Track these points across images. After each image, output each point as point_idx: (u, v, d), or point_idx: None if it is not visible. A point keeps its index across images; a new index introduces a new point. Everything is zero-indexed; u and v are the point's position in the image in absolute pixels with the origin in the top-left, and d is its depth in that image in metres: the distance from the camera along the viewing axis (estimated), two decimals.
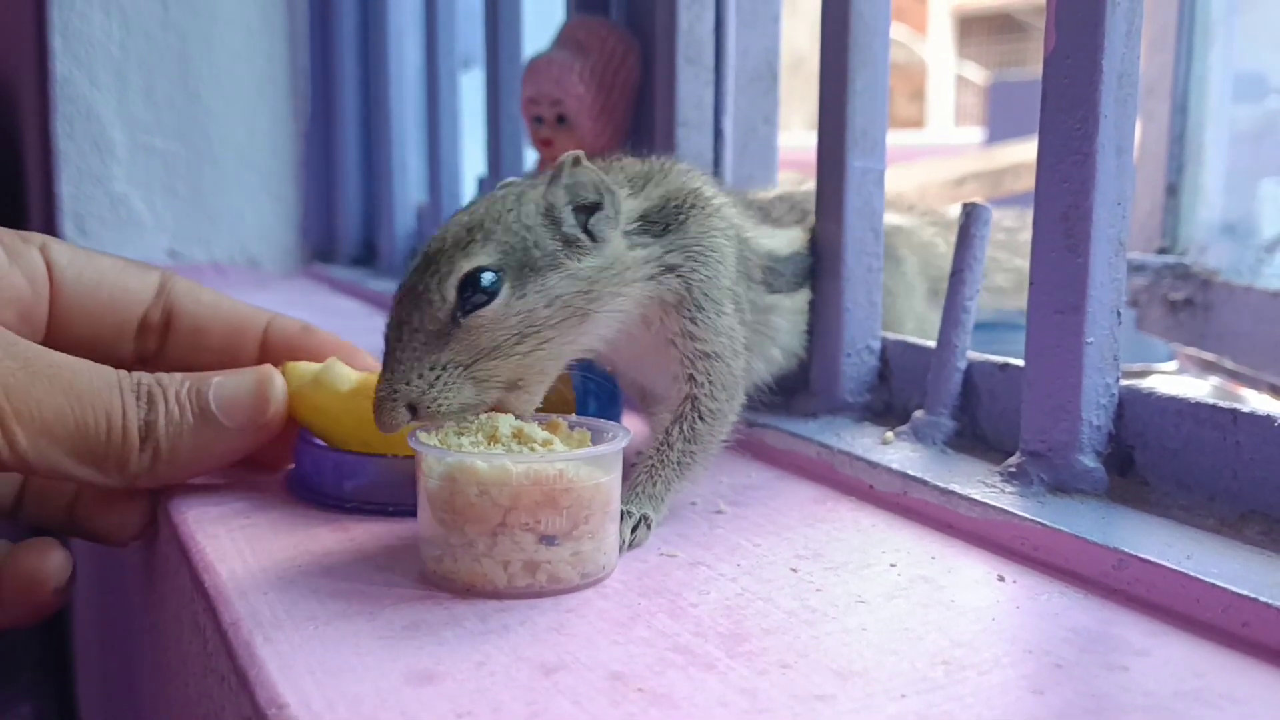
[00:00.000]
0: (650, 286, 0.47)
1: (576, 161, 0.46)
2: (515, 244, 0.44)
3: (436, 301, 0.43)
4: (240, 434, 0.46)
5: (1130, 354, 0.89)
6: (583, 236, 0.45)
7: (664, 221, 0.49)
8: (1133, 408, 0.45)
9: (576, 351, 0.46)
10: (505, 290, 0.43)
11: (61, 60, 1.23)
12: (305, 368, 0.48)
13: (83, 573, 1.00)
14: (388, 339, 0.44)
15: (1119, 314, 0.45)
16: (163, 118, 1.29)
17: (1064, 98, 0.44)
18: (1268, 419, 0.40)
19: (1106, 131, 0.43)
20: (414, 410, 0.42)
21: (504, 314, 0.43)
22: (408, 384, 0.42)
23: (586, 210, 0.46)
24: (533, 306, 0.44)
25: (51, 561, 0.44)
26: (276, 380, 0.46)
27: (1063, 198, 0.44)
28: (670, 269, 0.48)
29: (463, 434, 0.41)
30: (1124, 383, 0.46)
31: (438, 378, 0.42)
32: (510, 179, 0.52)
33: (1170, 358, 0.89)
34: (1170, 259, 0.82)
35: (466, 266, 0.43)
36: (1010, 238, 0.74)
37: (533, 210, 0.46)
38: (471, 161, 1.13)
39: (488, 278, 0.43)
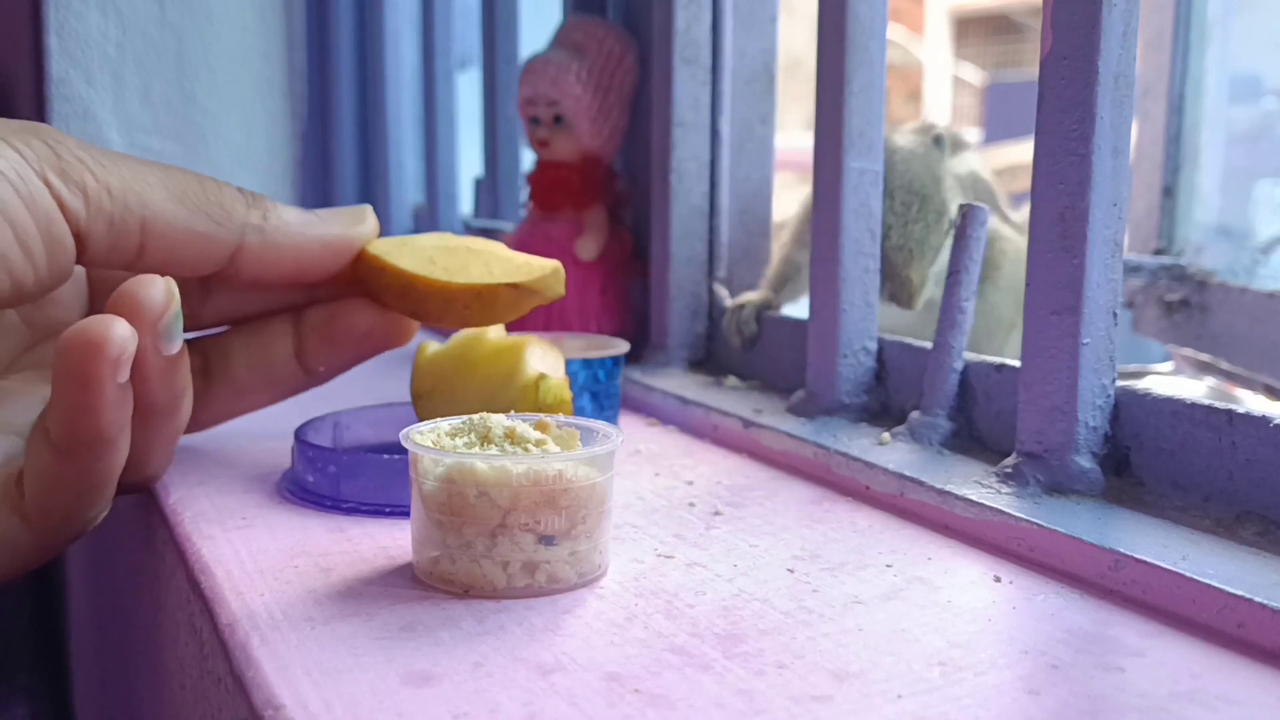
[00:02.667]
0: None
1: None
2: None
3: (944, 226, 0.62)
4: (340, 227, 0.49)
5: (1126, 355, 0.90)
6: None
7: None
8: (1129, 409, 0.45)
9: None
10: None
11: (57, 60, 1.23)
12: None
13: (78, 575, 1.00)
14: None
15: (1115, 315, 0.45)
16: (159, 118, 1.29)
17: (1060, 99, 0.44)
18: (1264, 420, 0.40)
19: (1103, 133, 0.43)
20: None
21: None
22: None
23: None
24: None
25: (153, 291, 0.40)
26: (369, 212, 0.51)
27: (1059, 199, 0.44)
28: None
29: (456, 435, 0.41)
30: (1120, 384, 0.46)
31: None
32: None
33: (1166, 359, 0.89)
34: (1166, 260, 0.82)
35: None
36: None
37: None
38: (468, 162, 1.13)
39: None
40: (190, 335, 0.51)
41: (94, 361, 0.38)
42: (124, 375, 0.39)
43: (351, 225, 0.49)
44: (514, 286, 0.49)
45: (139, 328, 0.40)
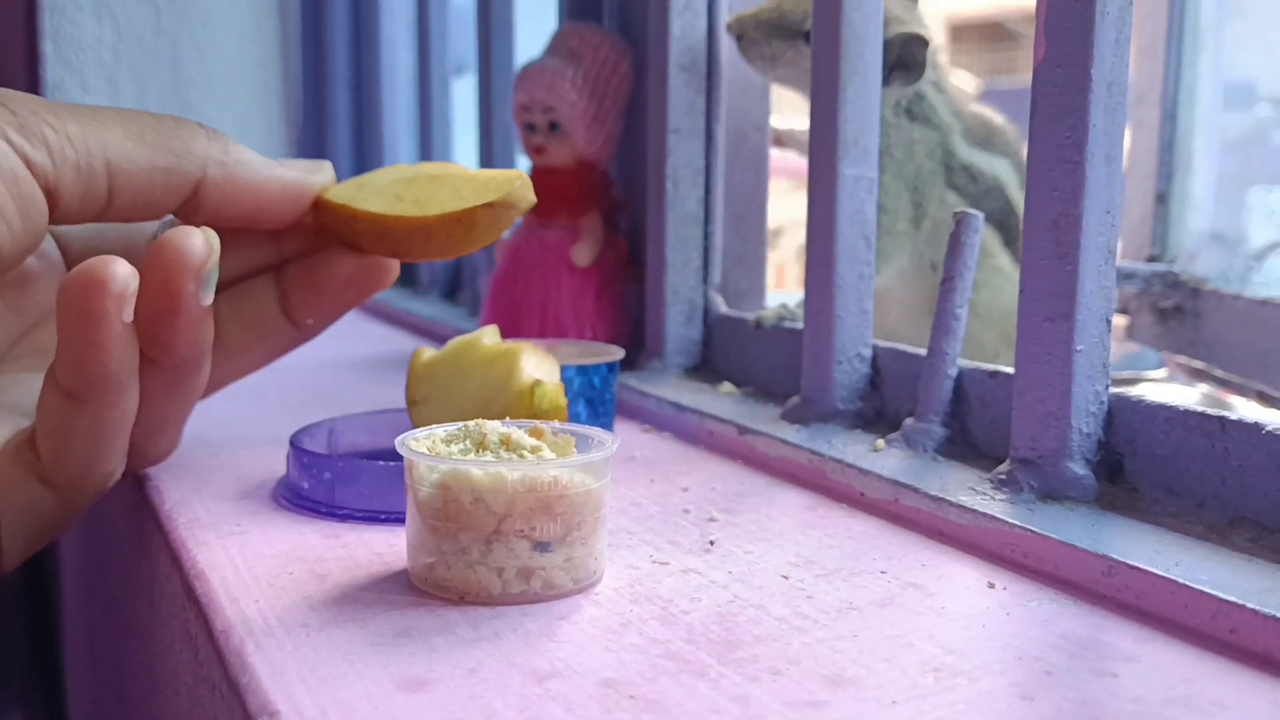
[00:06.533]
0: (898, 125, 0.67)
1: (917, 37, 0.64)
2: None
3: (799, 21, 0.65)
4: (298, 173, 0.49)
5: (1119, 362, 0.90)
6: (883, 75, 0.60)
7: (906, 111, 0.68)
8: (1122, 415, 0.45)
9: None
10: None
11: (53, 66, 1.23)
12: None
13: (72, 581, 1.00)
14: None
15: (1108, 322, 0.45)
16: None
17: (1054, 106, 0.44)
18: (1256, 426, 0.41)
19: (1096, 140, 0.44)
20: (740, 37, 0.67)
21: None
22: (756, 27, 0.67)
23: (902, 64, 0.65)
24: None
25: (194, 240, 0.41)
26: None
27: (1053, 206, 0.45)
28: (915, 118, 0.68)
29: (451, 441, 0.41)
30: (1113, 390, 0.46)
31: (765, 42, 0.67)
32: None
33: (1160, 365, 0.89)
34: (1160, 267, 0.82)
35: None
36: None
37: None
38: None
39: None
40: None
41: (98, 298, 0.38)
42: (128, 314, 0.39)
43: (310, 173, 0.49)
44: (489, 206, 0.48)
45: (183, 276, 0.41)
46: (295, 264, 0.52)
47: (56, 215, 0.43)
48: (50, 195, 0.42)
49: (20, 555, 0.43)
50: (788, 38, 0.66)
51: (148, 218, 0.46)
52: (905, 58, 0.64)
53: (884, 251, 0.67)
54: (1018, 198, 0.70)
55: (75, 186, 0.42)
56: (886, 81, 0.63)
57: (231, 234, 0.50)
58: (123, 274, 0.39)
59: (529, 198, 0.49)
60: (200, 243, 0.41)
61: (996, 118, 0.72)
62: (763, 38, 0.67)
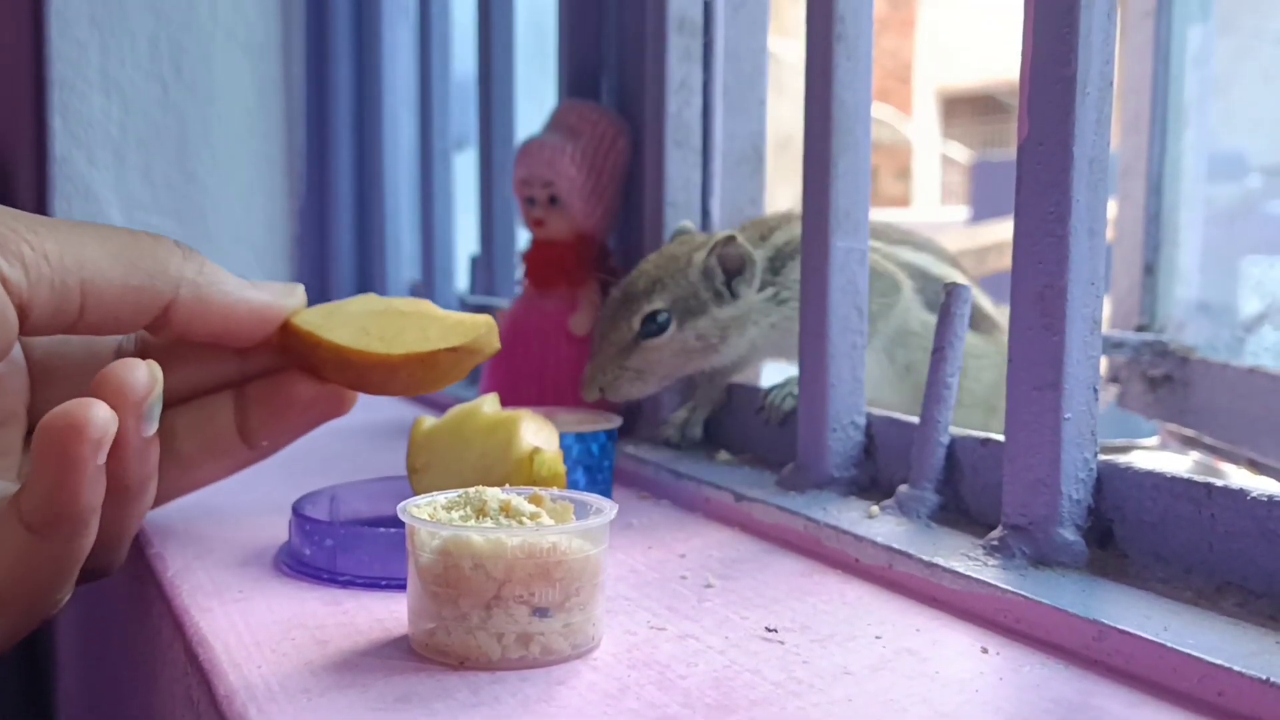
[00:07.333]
0: (769, 314, 0.65)
1: (730, 240, 0.64)
2: (682, 294, 0.65)
3: (625, 329, 0.65)
4: (271, 296, 0.49)
5: (1115, 430, 0.91)
6: (726, 293, 0.65)
7: (782, 261, 0.66)
8: (1111, 482, 0.46)
9: (705, 367, 0.67)
10: (672, 327, 0.65)
11: (61, 140, 1.25)
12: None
13: (69, 651, 0.99)
14: (595, 341, 0.67)
15: (1095, 390, 0.46)
16: (159, 196, 1.31)
17: (1038, 182, 0.46)
18: (1241, 492, 0.41)
19: (1079, 214, 0.45)
20: (602, 390, 0.66)
21: (667, 342, 0.65)
22: (603, 374, 0.65)
23: (732, 274, 0.64)
24: (686, 339, 0.65)
25: (138, 374, 0.41)
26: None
27: (1038, 278, 0.46)
28: (781, 301, 0.65)
29: (452, 508, 0.42)
30: (1102, 457, 0.47)
31: (619, 375, 0.65)
32: (685, 227, 0.70)
33: (1154, 433, 0.90)
34: (1149, 336, 0.83)
35: (649, 308, 0.65)
36: None
37: (696, 271, 0.65)
38: (465, 240, 1.14)
39: (661, 317, 0.65)
40: None
41: (76, 442, 0.39)
42: (103, 457, 0.40)
43: (282, 296, 0.50)
44: (453, 350, 0.49)
45: (123, 409, 0.41)
46: (256, 384, 0.52)
47: (26, 329, 0.43)
48: (22, 310, 0.42)
49: None
50: (631, 350, 0.65)
51: (117, 333, 0.46)
52: (729, 263, 0.64)
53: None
54: (952, 273, 0.69)
55: (48, 303, 0.43)
56: (735, 293, 0.64)
57: (197, 348, 0.50)
58: (102, 419, 0.39)
59: (494, 344, 0.50)
60: (143, 377, 0.41)
61: (888, 228, 0.71)
62: (617, 370, 0.65)
